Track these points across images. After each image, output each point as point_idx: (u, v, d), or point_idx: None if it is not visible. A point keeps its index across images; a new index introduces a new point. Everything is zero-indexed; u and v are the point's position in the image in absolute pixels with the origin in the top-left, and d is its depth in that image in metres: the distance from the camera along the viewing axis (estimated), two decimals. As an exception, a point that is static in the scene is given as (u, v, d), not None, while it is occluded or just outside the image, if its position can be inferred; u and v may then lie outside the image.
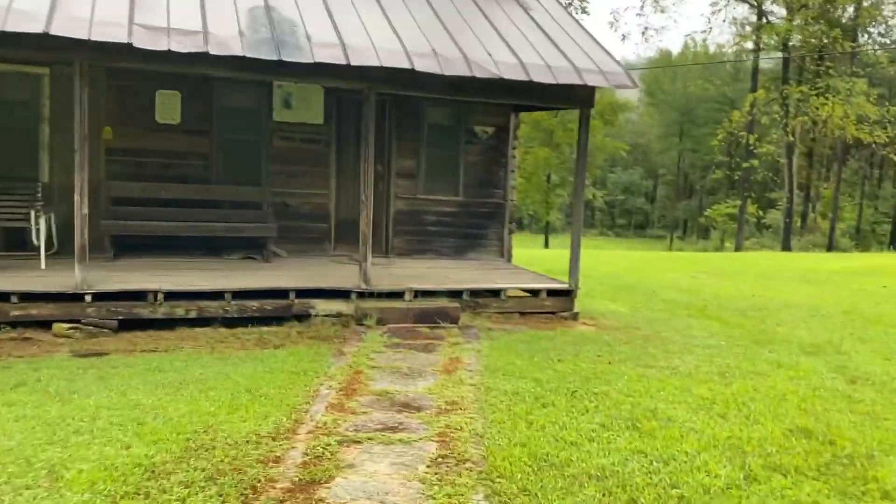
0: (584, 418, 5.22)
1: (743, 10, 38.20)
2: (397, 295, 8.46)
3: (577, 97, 8.89)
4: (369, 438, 4.57)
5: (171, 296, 7.71)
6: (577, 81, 8.37)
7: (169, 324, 7.72)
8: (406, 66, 7.68)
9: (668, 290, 12.67)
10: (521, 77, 8.13)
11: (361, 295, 8.30)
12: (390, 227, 11.09)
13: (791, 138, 31.02)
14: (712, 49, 52.73)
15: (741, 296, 12.22)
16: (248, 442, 4.50)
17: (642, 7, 69.74)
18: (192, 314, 7.76)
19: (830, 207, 38.06)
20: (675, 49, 64.83)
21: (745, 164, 32.69)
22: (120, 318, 7.52)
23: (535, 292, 9.18)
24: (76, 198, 7.27)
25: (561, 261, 17.40)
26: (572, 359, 6.98)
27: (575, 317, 9.14)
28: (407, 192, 11.12)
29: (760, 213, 41.30)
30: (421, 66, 7.74)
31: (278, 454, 4.32)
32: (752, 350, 7.93)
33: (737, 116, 31.31)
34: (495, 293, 8.96)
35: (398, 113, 10.91)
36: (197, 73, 7.56)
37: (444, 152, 11.22)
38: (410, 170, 11.12)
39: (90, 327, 7.41)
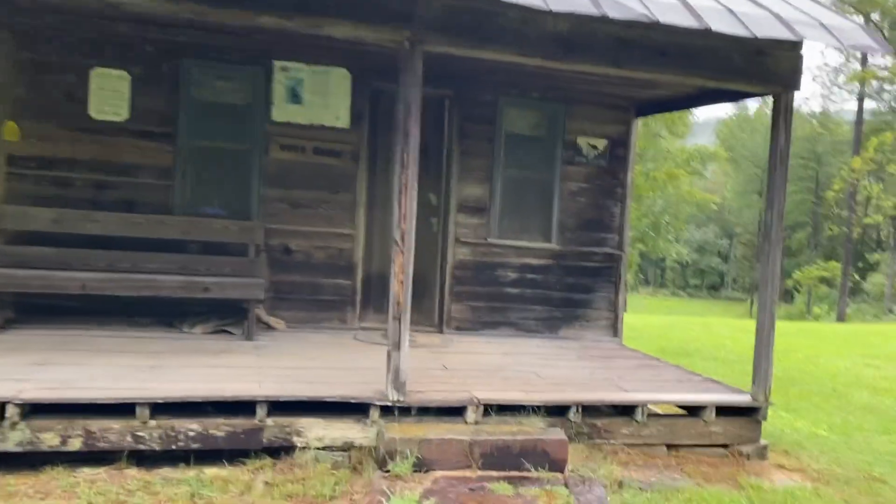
0: None
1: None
2: (454, 412, 4.74)
3: (773, 71, 5.18)
4: None
5: (37, 409, 4.17)
6: (786, 36, 4.66)
7: (35, 460, 4.18)
8: (481, -11, 4.14)
9: (854, 388, 8.63)
10: (689, 23, 4.48)
11: (389, 411, 4.61)
12: (447, 287, 7.38)
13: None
14: (796, 105, 48.16)
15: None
16: None
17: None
18: (76, 444, 4.18)
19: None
20: (752, 107, 60.57)
21: (866, 220, 27.91)
22: (-64, 449, 4.00)
23: (694, 409, 5.32)
24: None
25: (671, 334, 13.27)
26: None
27: (762, 453, 5.26)
28: (474, 234, 7.41)
29: (856, 276, 36.52)
30: (509, -7, 4.18)
31: None
32: None
33: (858, 164, 26.79)
34: (626, 409, 5.14)
35: (463, 116, 7.29)
36: (118, 10, 4.18)
37: (530, 176, 7.47)
38: (479, 201, 7.41)
39: None
